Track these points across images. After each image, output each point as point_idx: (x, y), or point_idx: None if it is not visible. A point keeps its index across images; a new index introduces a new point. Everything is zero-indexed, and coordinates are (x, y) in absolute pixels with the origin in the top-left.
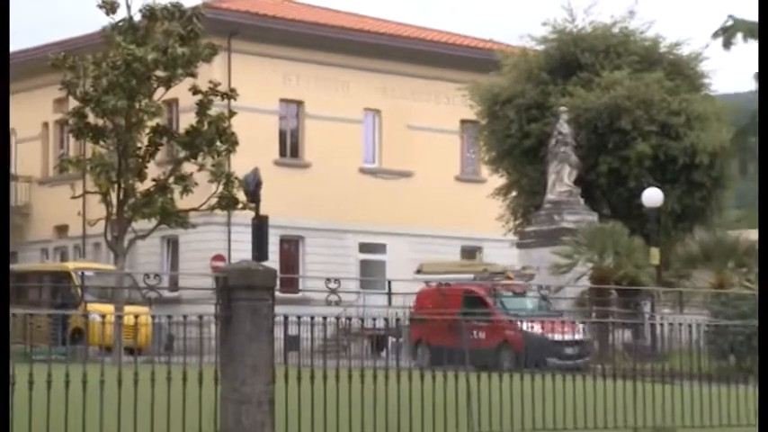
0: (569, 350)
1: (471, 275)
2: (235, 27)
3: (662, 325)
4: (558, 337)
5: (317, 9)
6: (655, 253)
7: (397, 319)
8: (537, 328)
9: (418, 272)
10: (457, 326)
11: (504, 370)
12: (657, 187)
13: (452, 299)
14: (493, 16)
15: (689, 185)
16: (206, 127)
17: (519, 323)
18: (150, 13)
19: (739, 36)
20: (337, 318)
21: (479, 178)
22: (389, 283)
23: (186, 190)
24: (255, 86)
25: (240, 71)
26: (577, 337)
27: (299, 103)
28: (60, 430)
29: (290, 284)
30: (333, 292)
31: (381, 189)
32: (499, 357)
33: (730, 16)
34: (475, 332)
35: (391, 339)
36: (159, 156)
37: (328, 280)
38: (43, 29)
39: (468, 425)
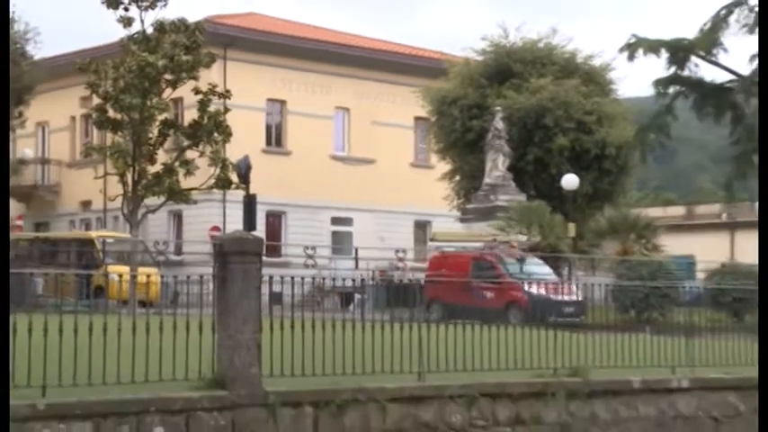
0: (568, 309)
1: (480, 244)
2: (230, 39)
3: (577, 285)
4: (558, 297)
5: (298, 24)
6: (571, 227)
7: (362, 279)
8: (541, 290)
9: (432, 240)
10: (468, 287)
11: (512, 324)
12: (574, 173)
13: (463, 264)
14: (441, 32)
15: (599, 172)
16: (205, 121)
17: (525, 285)
18: (160, 27)
19: (641, 51)
20: (313, 278)
21: (429, 165)
22: (356, 250)
23: (189, 172)
24: (246, 88)
25: (234, 75)
26: (574, 298)
27: (282, 102)
28: (84, 368)
29: (275, 251)
30: (309, 257)
31: (349, 173)
32: (507, 315)
33: (633, 35)
34: (485, 293)
35: (357, 296)
36: (167, 144)
37: (306, 247)
38: (72, 38)
39: (420, 364)
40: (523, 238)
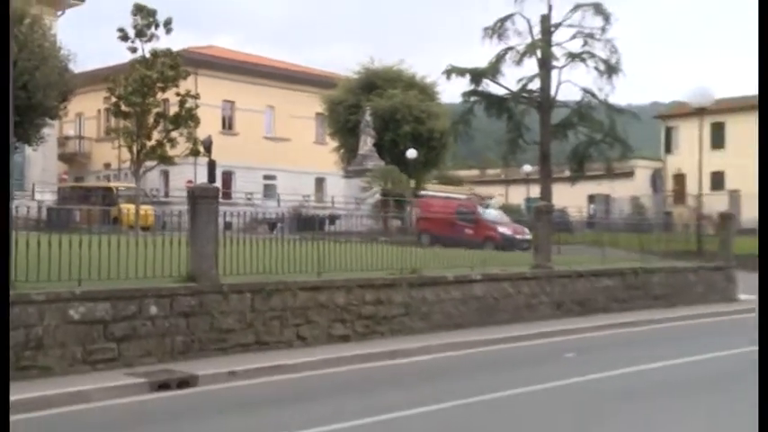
0: (524, 244)
1: (463, 196)
2: (200, 62)
3: (413, 217)
4: (518, 236)
5: (243, 53)
6: (412, 182)
7: (282, 214)
8: (508, 230)
9: (424, 189)
10: (452, 222)
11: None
12: (414, 149)
13: (450, 207)
14: (333, 58)
15: (429, 149)
16: (183, 113)
17: (498, 227)
18: (154, 54)
19: (454, 74)
20: (251, 213)
21: (325, 143)
22: (279, 195)
23: (173, 146)
24: (209, 93)
25: (202, 85)
26: (527, 237)
27: (233, 102)
28: (105, 268)
29: (227, 196)
30: (249, 200)
31: (274, 147)
32: (484, 247)
33: (450, 64)
34: (466, 230)
35: (279, 224)
36: (158, 128)
37: (246, 194)
38: (100, 58)
39: (318, 266)
40: (496, 199)
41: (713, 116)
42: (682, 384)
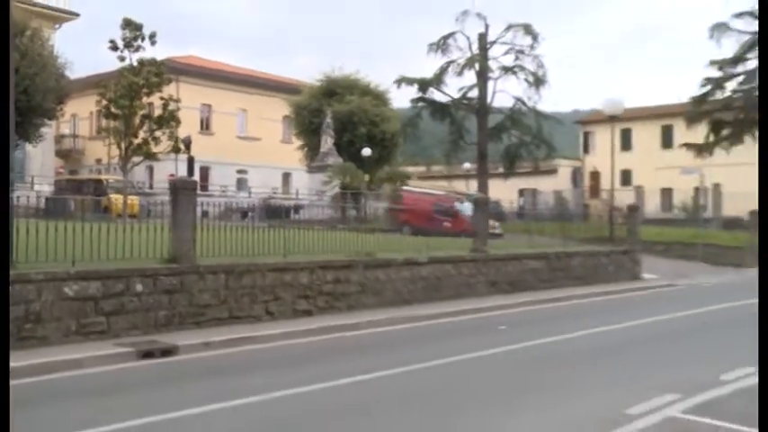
0: (496, 237)
1: (440, 192)
2: (181, 70)
3: (369, 207)
4: (490, 229)
5: (219, 62)
6: (366, 177)
7: (253, 204)
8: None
9: (406, 185)
10: (432, 215)
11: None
12: (369, 147)
13: (429, 202)
14: (299, 67)
15: (382, 147)
16: (166, 115)
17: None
18: (141, 62)
19: (404, 83)
20: (225, 203)
21: (291, 141)
22: (250, 188)
23: (157, 143)
24: (189, 97)
25: (182, 90)
26: (498, 231)
27: (209, 105)
28: (96, 251)
29: (204, 188)
30: (223, 191)
31: (246, 145)
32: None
33: (401, 75)
34: (444, 222)
35: (250, 213)
36: (144, 127)
37: (221, 186)
38: (92, 66)
39: (284, 249)
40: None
41: (622, 123)
42: (598, 350)
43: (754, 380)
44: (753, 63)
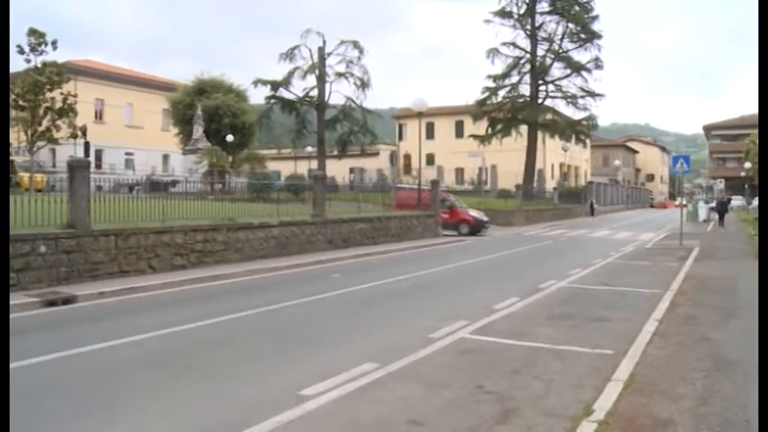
0: (486, 224)
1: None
2: (79, 71)
3: (232, 182)
4: (484, 219)
5: (112, 65)
6: (229, 158)
7: (138, 180)
8: (477, 214)
9: (400, 180)
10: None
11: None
12: (231, 134)
13: (425, 195)
14: (178, 69)
15: (242, 135)
16: (66, 107)
17: (469, 211)
18: (44, 64)
19: (259, 84)
20: (115, 179)
21: (169, 129)
22: (135, 167)
23: (58, 131)
24: (86, 93)
25: (80, 87)
26: (486, 219)
27: (103, 100)
28: (11, 218)
29: (99, 167)
30: (113, 170)
31: (133, 132)
32: (458, 228)
33: (257, 77)
34: (443, 214)
35: (137, 187)
36: (47, 118)
37: (111, 165)
38: None
39: (163, 215)
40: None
41: (427, 117)
42: (411, 289)
43: (517, 307)
44: (515, 78)
